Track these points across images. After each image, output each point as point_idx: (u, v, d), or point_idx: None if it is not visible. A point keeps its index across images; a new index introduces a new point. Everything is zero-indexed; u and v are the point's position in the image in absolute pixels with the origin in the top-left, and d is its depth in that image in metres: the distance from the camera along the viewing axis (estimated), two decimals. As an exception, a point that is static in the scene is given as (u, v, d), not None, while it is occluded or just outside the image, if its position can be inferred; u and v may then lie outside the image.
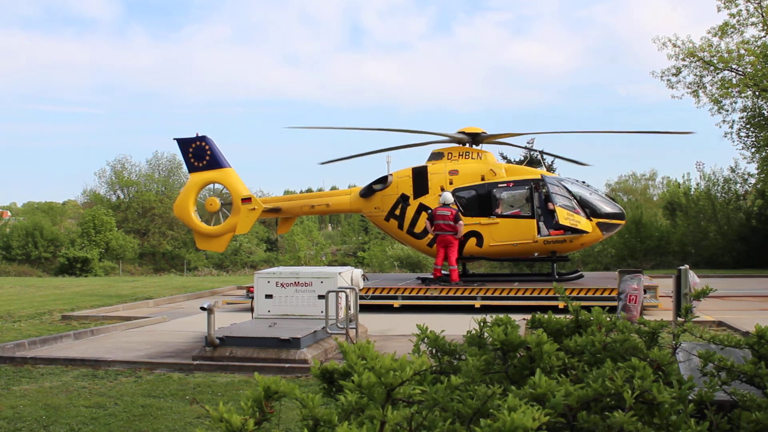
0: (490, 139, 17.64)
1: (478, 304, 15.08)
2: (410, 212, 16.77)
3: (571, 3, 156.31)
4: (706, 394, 2.58)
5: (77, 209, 59.57)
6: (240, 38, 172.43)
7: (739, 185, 33.89)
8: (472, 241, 16.27)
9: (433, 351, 3.03)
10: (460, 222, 15.44)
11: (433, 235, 15.81)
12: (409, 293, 15.71)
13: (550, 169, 25.67)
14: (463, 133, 17.23)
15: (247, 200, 17.78)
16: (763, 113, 29.74)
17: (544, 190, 16.15)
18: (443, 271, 16.15)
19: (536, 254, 16.45)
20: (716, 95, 28.79)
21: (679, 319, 3.25)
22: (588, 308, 3.33)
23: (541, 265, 24.66)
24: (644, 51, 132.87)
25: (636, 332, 3.13)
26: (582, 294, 14.51)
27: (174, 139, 18.16)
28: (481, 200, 16.37)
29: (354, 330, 10.59)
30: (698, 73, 28.97)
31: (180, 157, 20.29)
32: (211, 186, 20.72)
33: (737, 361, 2.82)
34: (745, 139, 30.37)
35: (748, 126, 30.15)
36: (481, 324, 3.11)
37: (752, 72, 26.60)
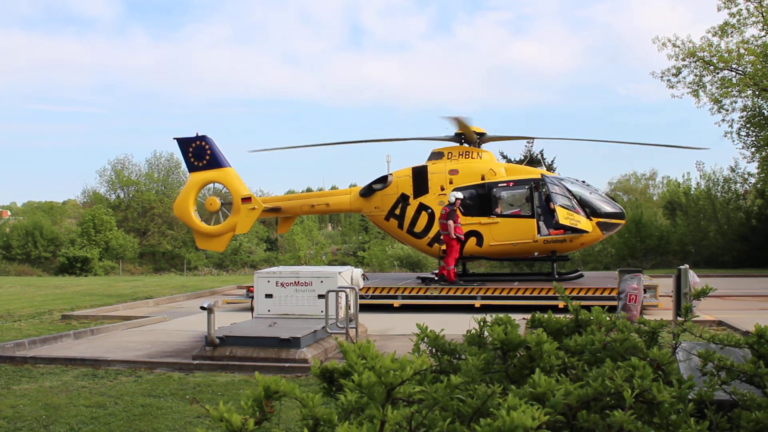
0: (488, 141, 17.65)
1: (478, 303, 15.09)
2: (410, 212, 16.77)
3: (571, 2, 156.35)
4: (705, 393, 2.58)
5: (77, 209, 59.53)
6: (240, 38, 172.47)
7: (739, 185, 33.90)
8: (472, 240, 16.28)
9: (433, 350, 3.03)
10: (446, 221, 15.50)
11: None
12: (409, 293, 15.72)
13: (550, 168, 25.69)
14: (458, 134, 17.25)
15: (247, 200, 17.79)
16: (763, 113, 29.75)
17: (544, 190, 16.16)
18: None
19: (536, 254, 16.45)
20: (716, 95, 28.81)
21: (679, 318, 3.25)
22: (588, 308, 3.33)
23: (541, 265, 24.66)
24: (644, 51, 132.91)
25: (636, 332, 3.12)
26: (582, 293, 14.52)
27: (174, 138, 18.17)
28: (481, 200, 16.37)
29: (354, 329, 10.59)
30: (698, 73, 28.98)
31: (180, 156, 20.30)
32: (211, 185, 20.73)
33: (737, 361, 2.82)
34: (745, 138, 30.39)
35: (748, 125, 30.17)
36: (481, 323, 3.11)
37: (752, 72, 26.59)
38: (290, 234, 45.76)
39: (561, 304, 12.45)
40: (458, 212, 15.72)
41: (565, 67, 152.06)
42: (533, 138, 17.61)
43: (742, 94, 28.37)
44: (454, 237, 15.54)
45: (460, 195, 15.77)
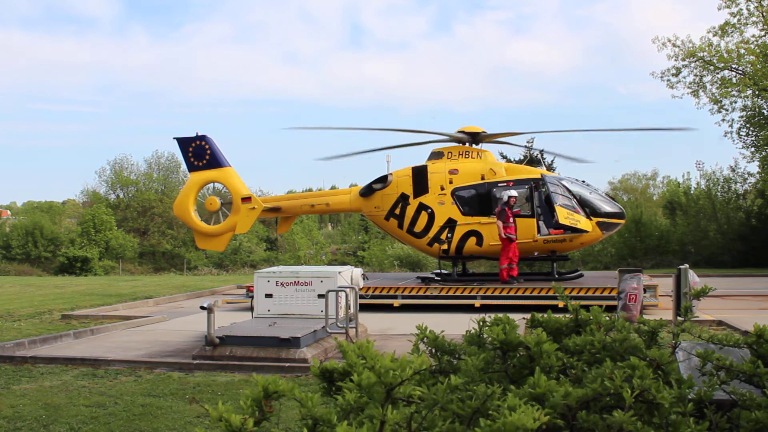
0: (490, 138, 17.64)
1: (477, 303, 15.09)
2: (410, 211, 16.76)
3: (571, 2, 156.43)
4: (705, 393, 2.57)
5: (77, 208, 59.53)
6: (240, 37, 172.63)
7: (739, 184, 33.92)
8: (472, 240, 16.28)
9: (433, 350, 3.03)
10: (498, 221, 15.50)
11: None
12: (409, 292, 15.71)
13: (550, 168, 25.66)
14: (463, 132, 17.23)
15: (246, 199, 17.78)
16: (763, 113, 29.75)
17: (543, 190, 16.15)
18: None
19: (536, 253, 16.44)
20: (716, 95, 28.81)
21: (678, 318, 3.24)
22: (587, 308, 3.33)
23: (541, 265, 24.64)
24: (645, 50, 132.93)
25: (635, 331, 3.12)
26: (582, 293, 14.51)
27: (174, 138, 18.17)
28: (480, 199, 16.37)
29: (354, 329, 10.59)
30: (698, 73, 29.00)
31: (180, 156, 20.30)
32: (211, 185, 20.72)
33: (736, 361, 2.81)
34: (745, 138, 30.41)
35: (748, 125, 30.17)
36: (481, 323, 3.11)
37: (752, 71, 26.60)
38: (290, 234, 45.74)
39: (561, 304, 12.43)
40: (508, 211, 15.48)
41: (566, 66, 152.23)
42: (531, 146, 17.43)
43: (742, 94, 28.38)
44: (504, 237, 15.51)
45: (513, 193, 15.69)
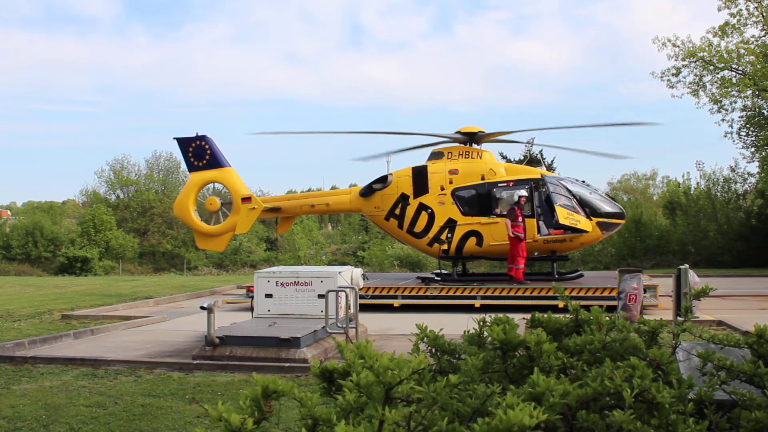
0: (488, 137, 17.63)
1: (477, 303, 15.09)
2: (410, 212, 16.76)
3: (571, 2, 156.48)
4: (705, 393, 2.57)
5: (77, 209, 59.52)
6: (240, 37, 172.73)
7: (738, 184, 33.91)
8: (472, 240, 16.28)
9: (433, 350, 3.02)
10: (507, 220, 15.56)
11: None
12: (409, 293, 15.72)
13: (549, 168, 25.67)
14: (461, 133, 17.23)
15: (246, 199, 17.78)
16: (763, 113, 29.75)
17: (543, 190, 16.14)
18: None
19: (536, 253, 16.44)
20: (716, 95, 28.82)
21: (678, 318, 3.24)
22: (588, 308, 3.33)
23: (541, 265, 24.64)
24: (645, 50, 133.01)
25: (635, 331, 3.12)
26: (582, 293, 14.52)
27: (174, 138, 18.17)
28: (480, 200, 16.37)
29: (354, 329, 10.58)
30: (698, 73, 29.00)
31: (179, 156, 20.30)
32: (211, 185, 20.71)
33: (737, 361, 2.81)
34: (745, 138, 30.41)
35: (748, 125, 30.18)
36: (481, 323, 3.10)
37: (752, 71, 26.60)
38: (290, 234, 45.73)
39: (561, 304, 12.43)
40: (517, 210, 15.55)
41: (566, 67, 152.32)
42: (511, 132, 17.29)
43: (742, 94, 28.39)
44: (512, 236, 15.51)
45: (524, 193, 15.75)
